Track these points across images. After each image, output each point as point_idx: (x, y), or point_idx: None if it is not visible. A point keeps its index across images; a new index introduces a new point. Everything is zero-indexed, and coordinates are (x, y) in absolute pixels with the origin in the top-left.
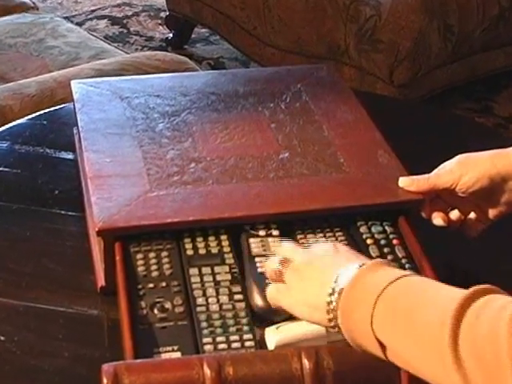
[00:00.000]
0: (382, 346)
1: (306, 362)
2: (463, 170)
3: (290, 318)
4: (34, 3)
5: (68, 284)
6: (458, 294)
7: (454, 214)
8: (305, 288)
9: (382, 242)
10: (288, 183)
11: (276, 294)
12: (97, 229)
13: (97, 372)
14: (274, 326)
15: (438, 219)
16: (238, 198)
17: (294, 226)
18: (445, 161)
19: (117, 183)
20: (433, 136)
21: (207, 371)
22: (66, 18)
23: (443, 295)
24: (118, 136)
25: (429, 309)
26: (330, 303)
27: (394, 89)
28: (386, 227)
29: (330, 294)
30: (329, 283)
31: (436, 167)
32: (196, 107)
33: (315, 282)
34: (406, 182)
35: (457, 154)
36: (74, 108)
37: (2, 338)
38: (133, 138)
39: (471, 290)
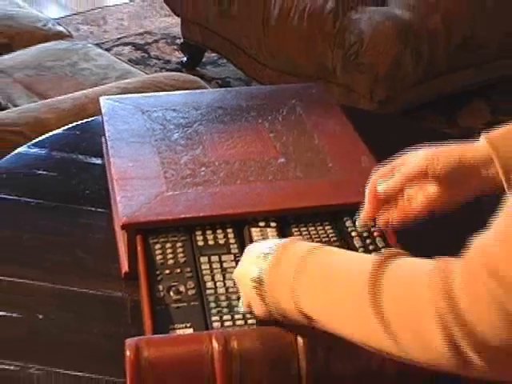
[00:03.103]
0: (308, 317)
1: (300, 337)
2: (435, 156)
3: None
4: (69, 32)
5: (97, 271)
6: (371, 256)
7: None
8: (241, 271)
9: (365, 234)
10: (284, 184)
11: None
12: (121, 223)
13: (121, 346)
14: None
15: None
16: (242, 197)
17: (289, 220)
18: None
19: (138, 184)
20: (407, 144)
21: (215, 345)
22: (96, 44)
23: (357, 258)
24: (140, 144)
25: (346, 271)
26: (259, 289)
27: (374, 104)
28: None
29: (256, 280)
30: (252, 269)
31: None
32: (206, 119)
33: (245, 275)
34: (383, 188)
35: None
36: (102, 120)
37: (41, 317)
38: (152, 146)
39: (384, 251)
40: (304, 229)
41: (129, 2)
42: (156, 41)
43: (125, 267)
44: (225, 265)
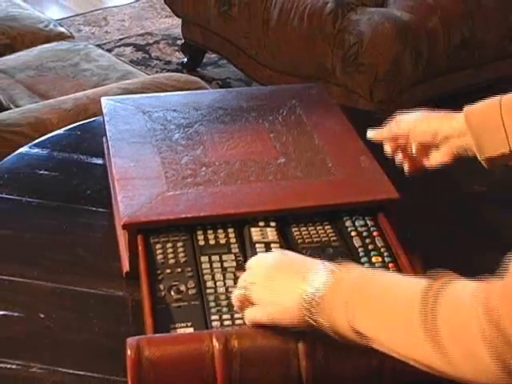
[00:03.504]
0: (363, 336)
1: (299, 338)
2: (417, 123)
3: None
4: (70, 33)
5: (98, 270)
6: (420, 279)
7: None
8: (277, 297)
9: (364, 233)
10: (285, 184)
11: (253, 316)
12: (122, 223)
13: (122, 345)
14: None
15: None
16: (242, 197)
17: (289, 220)
18: None
19: (139, 184)
20: None
21: (216, 344)
22: (97, 45)
23: (408, 281)
24: (141, 144)
25: (399, 294)
26: (310, 304)
27: (374, 105)
28: (368, 221)
29: (308, 298)
30: (302, 286)
31: None
32: (206, 120)
33: (286, 289)
34: (372, 134)
35: None
36: (104, 121)
37: (42, 316)
38: (153, 146)
39: (432, 274)
40: (304, 229)
41: (130, 3)
42: (157, 42)
43: (126, 266)
44: (225, 264)
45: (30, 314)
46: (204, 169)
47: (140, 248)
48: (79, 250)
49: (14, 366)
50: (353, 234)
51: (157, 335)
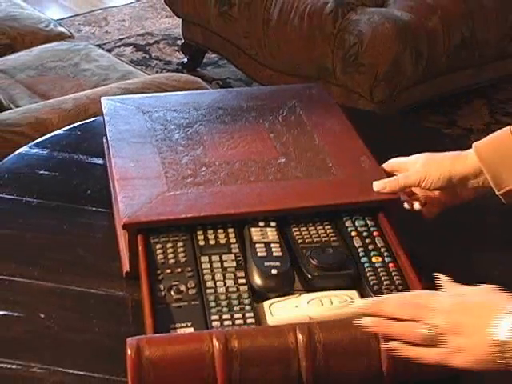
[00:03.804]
0: None
1: (299, 336)
2: (428, 171)
3: (284, 295)
4: (70, 33)
5: (98, 270)
6: None
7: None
8: (466, 343)
9: (364, 233)
10: (285, 184)
11: (444, 359)
12: (122, 223)
13: (122, 345)
14: (269, 301)
15: (416, 204)
16: (242, 197)
17: (289, 220)
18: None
19: (139, 184)
20: (406, 144)
21: (216, 344)
22: (97, 45)
23: None
24: (141, 144)
25: None
26: (502, 351)
27: (374, 105)
28: (368, 221)
29: (501, 345)
30: (491, 332)
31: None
32: (206, 120)
33: (475, 334)
34: (379, 186)
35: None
36: (104, 121)
37: (42, 316)
38: (153, 146)
39: None
40: (304, 228)
41: (130, 3)
42: (157, 42)
43: (126, 267)
44: (225, 264)
45: (30, 313)
46: (204, 169)
47: (140, 248)
48: (79, 250)
49: (14, 366)
50: (353, 233)
51: (157, 335)
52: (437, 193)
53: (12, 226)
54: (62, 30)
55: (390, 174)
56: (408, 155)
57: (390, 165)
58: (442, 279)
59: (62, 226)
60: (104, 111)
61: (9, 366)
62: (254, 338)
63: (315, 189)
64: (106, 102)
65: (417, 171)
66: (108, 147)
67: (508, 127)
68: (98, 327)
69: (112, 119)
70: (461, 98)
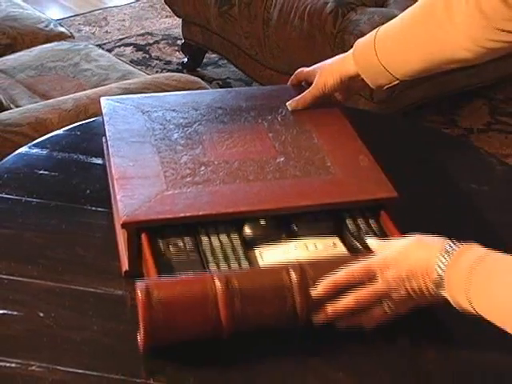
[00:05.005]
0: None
1: (293, 274)
2: (324, 81)
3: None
4: (70, 33)
5: (97, 269)
6: None
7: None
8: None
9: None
10: (283, 183)
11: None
12: (121, 222)
13: (121, 343)
14: (260, 249)
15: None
16: (241, 196)
17: (289, 219)
18: (415, 165)
19: (138, 183)
20: (406, 143)
21: (218, 284)
22: (97, 45)
23: None
24: (140, 144)
25: None
26: (438, 277)
27: (374, 104)
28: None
29: (438, 274)
30: (434, 263)
31: (408, 168)
32: (206, 119)
33: (419, 268)
34: (292, 106)
35: (426, 158)
36: (103, 120)
37: (41, 315)
38: (152, 146)
39: None
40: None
41: (130, 3)
42: (157, 42)
43: (125, 266)
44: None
45: (30, 312)
46: (203, 168)
47: (145, 244)
48: (79, 249)
49: (13, 365)
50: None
51: (163, 279)
52: (337, 93)
53: (11, 225)
54: (62, 29)
55: (299, 85)
56: (408, 155)
57: (297, 77)
58: (372, 243)
59: (62, 226)
60: (103, 111)
61: (8, 364)
62: (252, 278)
63: (314, 188)
64: (105, 102)
65: (316, 83)
66: (107, 147)
67: (376, 30)
68: (97, 326)
69: (111, 119)
70: (461, 98)
